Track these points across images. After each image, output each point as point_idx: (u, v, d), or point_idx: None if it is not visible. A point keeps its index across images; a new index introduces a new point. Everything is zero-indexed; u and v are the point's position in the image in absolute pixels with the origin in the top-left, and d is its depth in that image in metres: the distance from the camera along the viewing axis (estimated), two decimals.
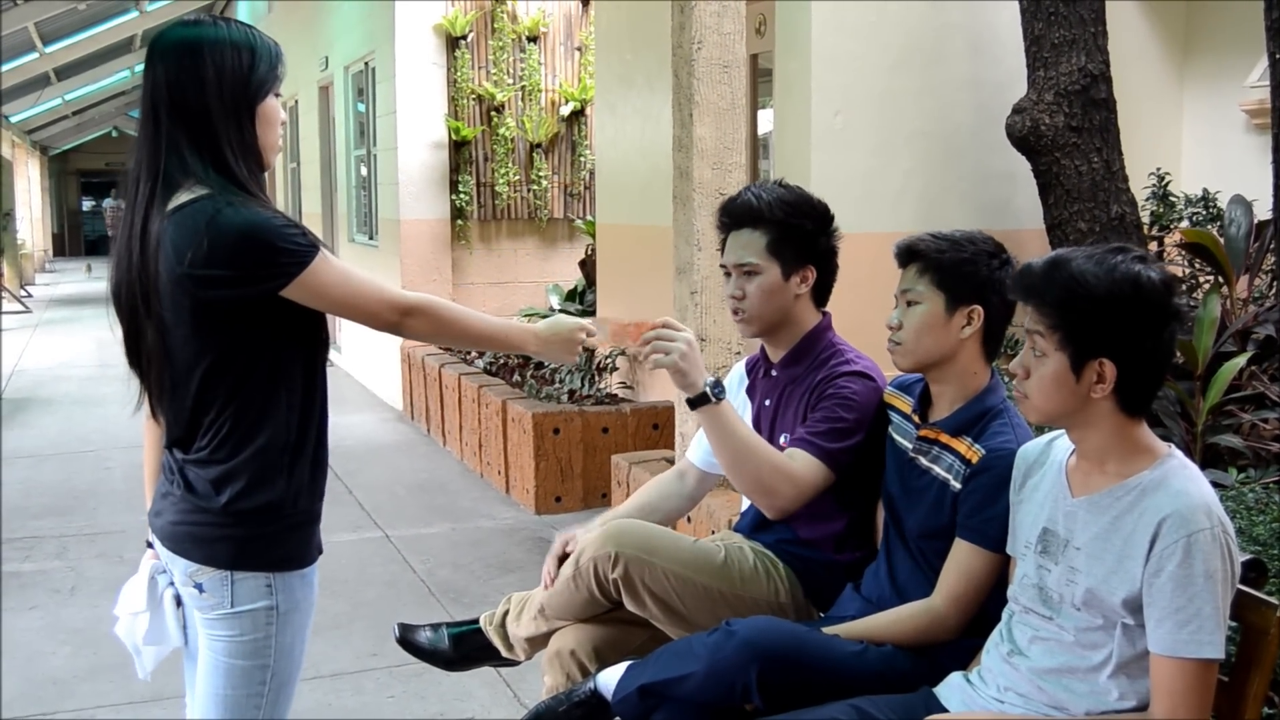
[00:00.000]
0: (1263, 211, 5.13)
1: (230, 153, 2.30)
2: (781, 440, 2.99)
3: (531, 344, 2.54)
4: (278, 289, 2.22)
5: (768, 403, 3.08)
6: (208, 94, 2.29)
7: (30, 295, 22.97)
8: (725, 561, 2.95)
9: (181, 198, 2.26)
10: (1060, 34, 5.39)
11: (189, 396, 2.31)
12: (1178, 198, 6.08)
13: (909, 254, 2.74)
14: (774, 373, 3.08)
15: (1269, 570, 2.62)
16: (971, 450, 2.61)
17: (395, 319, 2.34)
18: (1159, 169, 6.16)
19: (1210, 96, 6.64)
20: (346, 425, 9.82)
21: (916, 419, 2.78)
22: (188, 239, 2.21)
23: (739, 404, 3.18)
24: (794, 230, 2.96)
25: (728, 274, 3.05)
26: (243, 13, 19.81)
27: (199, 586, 2.34)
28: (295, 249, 2.22)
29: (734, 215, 3.02)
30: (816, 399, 2.91)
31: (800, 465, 2.82)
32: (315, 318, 2.36)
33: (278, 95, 2.41)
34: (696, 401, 2.78)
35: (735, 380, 3.26)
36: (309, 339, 2.36)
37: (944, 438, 2.68)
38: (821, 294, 3.06)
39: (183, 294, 2.23)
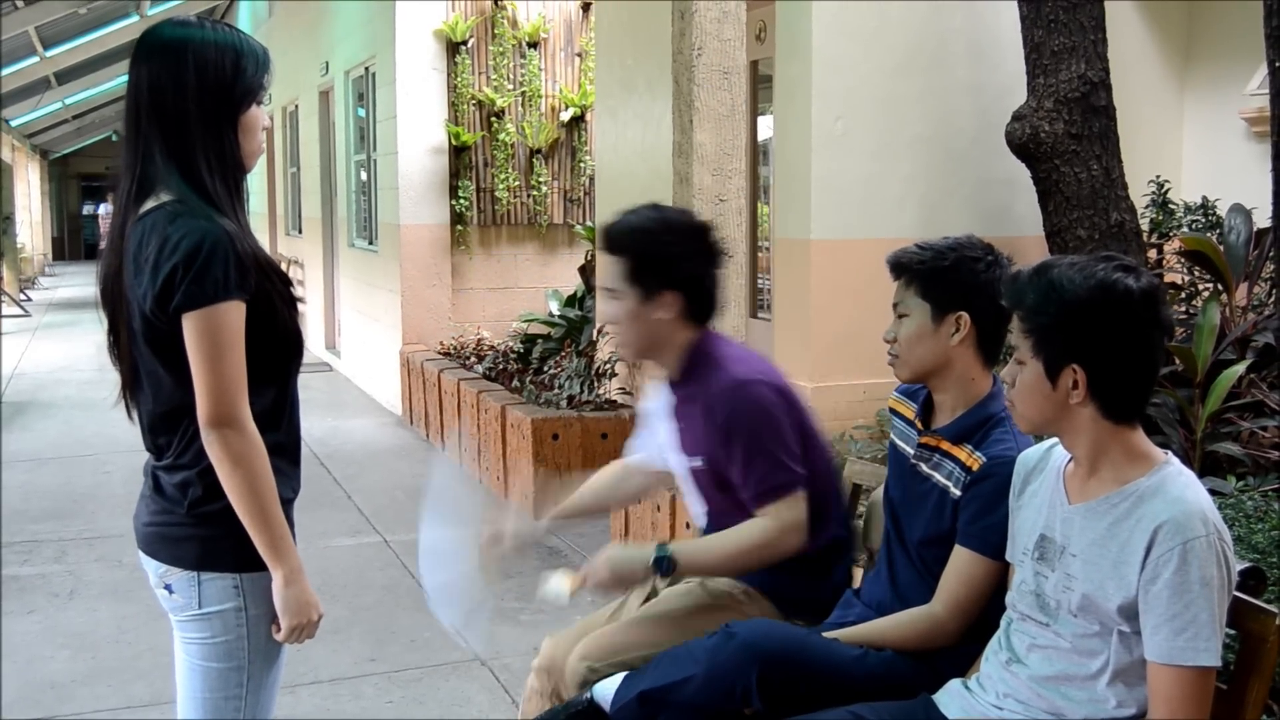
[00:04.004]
0: (1262, 219, 5.14)
1: (204, 162, 2.28)
2: (695, 462, 2.95)
3: (283, 567, 2.30)
4: (181, 309, 2.17)
5: (679, 426, 3.03)
6: (187, 99, 2.27)
7: (29, 299, 22.98)
8: (688, 615, 2.93)
9: (148, 204, 2.26)
10: (1060, 41, 5.39)
11: (155, 403, 2.32)
12: (1177, 205, 6.08)
13: (896, 267, 2.75)
14: (674, 397, 3.05)
15: (1268, 578, 2.62)
16: (972, 458, 2.61)
17: (218, 418, 2.19)
18: (1158, 176, 6.16)
19: (1210, 104, 6.64)
20: (346, 430, 9.82)
21: (919, 425, 2.78)
22: (140, 248, 2.22)
23: (665, 430, 3.13)
24: (650, 258, 2.90)
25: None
26: (244, 17, 19.82)
27: (168, 588, 2.36)
28: (220, 278, 2.17)
29: (602, 239, 3.00)
30: (724, 432, 2.84)
31: (778, 515, 2.81)
32: (285, 327, 2.34)
33: (261, 103, 2.39)
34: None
35: (659, 408, 3.18)
36: (278, 348, 2.35)
37: (945, 445, 2.68)
38: (698, 313, 2.97)
39: (135, 302, 2.24)
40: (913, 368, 2.73)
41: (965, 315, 2.66)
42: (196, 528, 2.31)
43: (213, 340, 2.18)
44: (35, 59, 18.47)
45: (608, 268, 2.94)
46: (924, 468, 2.72)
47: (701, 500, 3.05)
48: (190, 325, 2.18)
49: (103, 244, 2.49)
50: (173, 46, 2.29)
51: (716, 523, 2.99)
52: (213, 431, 2.20)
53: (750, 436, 2.81)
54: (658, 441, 3.19)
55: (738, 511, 2.89)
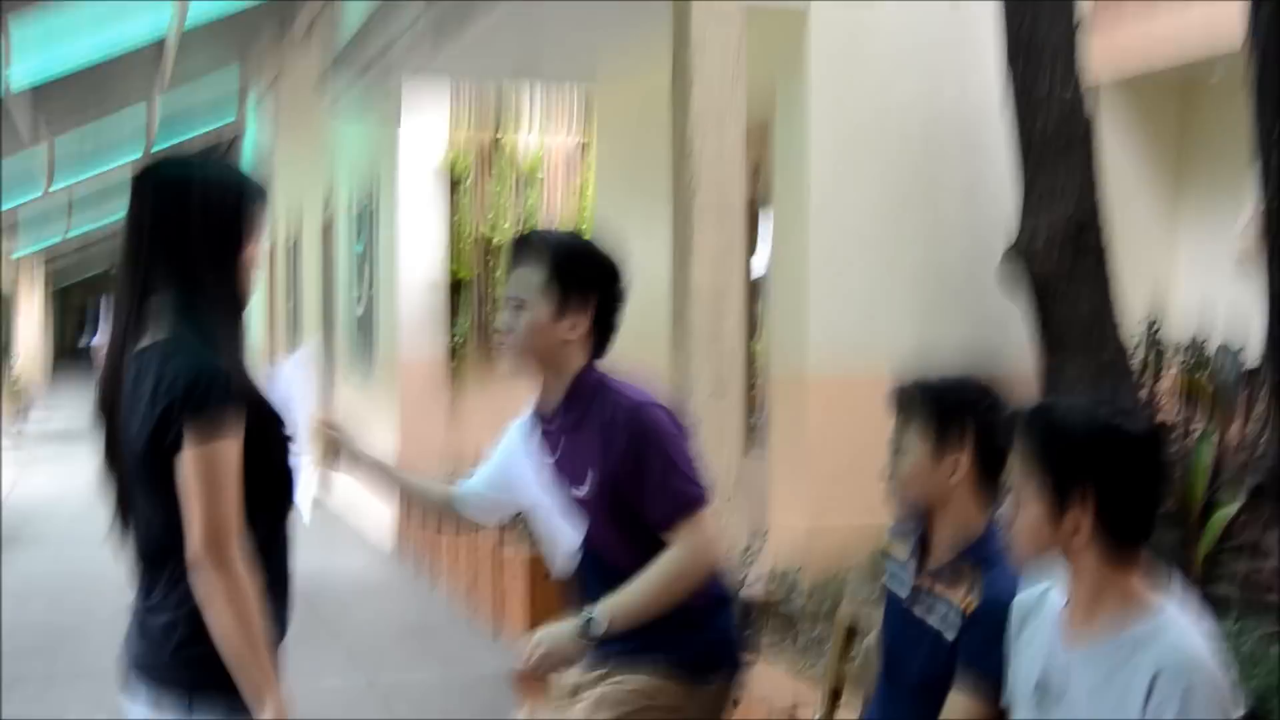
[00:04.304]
0: (1252, 357, 5.16)
1: (205, 299, 2.30)
2: (578, 491, 2.89)
3: (267, 709, 2.25)
4: (176, 446, 2.17)
5: (554, 458, 2.99)
6: (192, 237, 2.29)
7: (23, 431, 22.91)
8: None
9: (145, 340, 2.26)
10: (1050, 181, 5.47)
11: (144, 543, 2.31)
12: (1166, 347, 6.11)
13: (898, 401, 2.75)
14: (550, 427, 3.01)
15: None
16: (967, 600, 2.59)
17: (209, 555, 2.17)
18: (1149, 316, 6.20)
19: (1202, 238, 6.72)
20: (335, 567, 9.71)
21: (913, 566, 2.76)
22: (137, 383, 2.22)
23: (531, 466, 3.07)
24: (570, 274, 2.89)
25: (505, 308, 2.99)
26: (248, 150, 20.13)
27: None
28: (216, 416, 2.18)
29: (517, 249, 2.99)
30: (630, 455, 2.81)
31: (689, 538, 2.78)
32: (279, 464, 2.34)
33: (258, 240, 2.41)
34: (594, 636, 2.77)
35: (519, 439, 3.14)
36: (271, 485, 2.34)
37: (939, 588, 2.66)
38: (598, 343, 2.97)
39: (129, 440, 2.24)
40: (909, 503, 2.72)
41: (965, 455, 2.65)
42: (181, 670, 2.28)
43: (207, 477, 2.17)
44: (41, 191, 18.70)
45: (522, 278, 2.91)
46: (918, 610, 2.69)
47: (580, 531, 2.95)
48: (185, 462, 2.17)
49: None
50: (177, 185, 2.32)
51: (597, 555, 2.93)
52: (202, 570, 2.18)
53: (659, 457, 2.80)
54: (500, 480, 3.17)
55: (624, 544, 2.85)
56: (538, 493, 3.04)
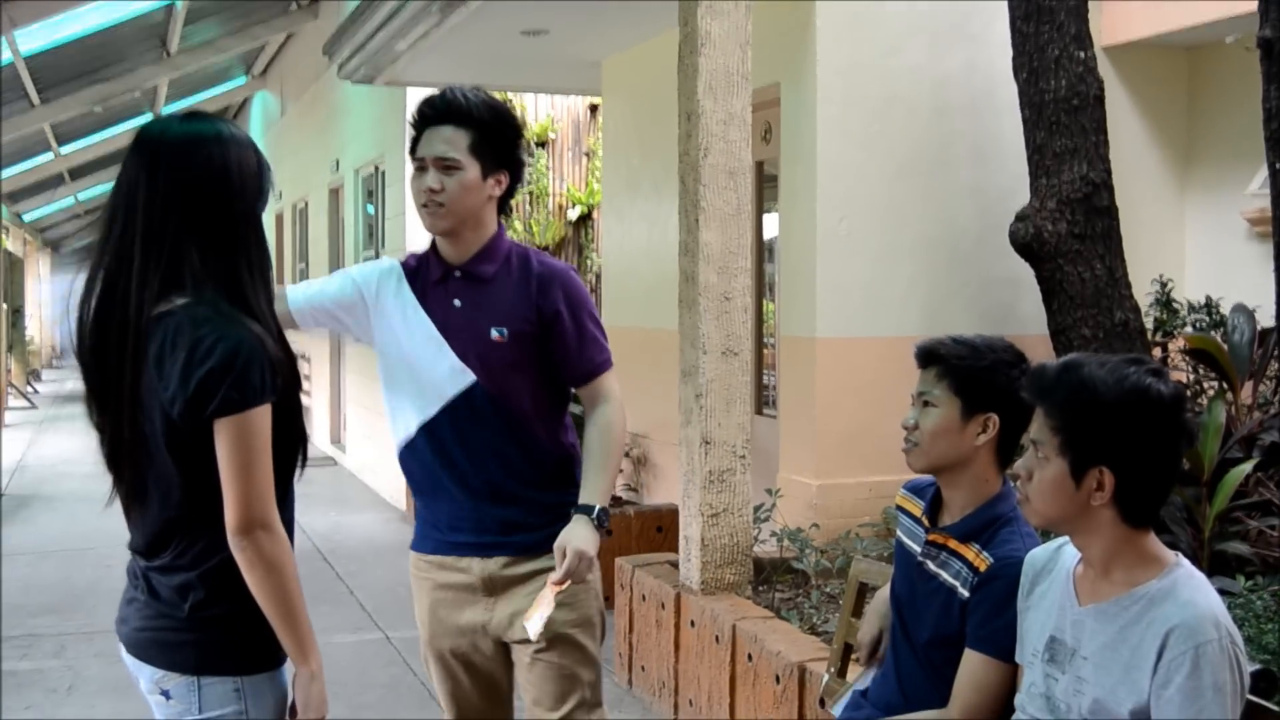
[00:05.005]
0: (1266, 318, 5.16)
1: (245, 261, 2.26)
2: (494, 334, 2.97)
3: (311, 663, 2.28)
4: (216, 414, 2.14)
5: (457, 303, 3.03)
6: (233, 197, 2.24)
7: (36, 391, 23.03)
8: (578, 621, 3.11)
9: (162, 306, 2.20)
10: (1062, 143, 5.45)
11: (163, 508, 2.27)
12: (1180, 304, 6.10)
13: (929, 356, 2.73)
14: (457, 274, 3.05)
15: (1279, 680, 2.60)
16: (979, 558, 2.60)
17: (252, 521, 2.16)
18: (1161, 275, 6.20)
19: (1212, 204, 6.70)
20: (349, 525, 9.77)
21: (926, 522, 2.77)
22: (164, 350, 2.17)
23: (407, 308, 3.09)
24: (496, 133, 3.00)
25: (422, 169, 2.99)
26: (255, 115, 20.10)
27: (165, 693, 2.29)
28: (257, 384, 2.16)
29: (436, 109, 3.00)
30: (564, 307, 3.01)
31: (611, 393, 3.06)
32: (292, 433, 2.33)
33: None
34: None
35: (390, 282, 3.15)
36: (292, 449, 2.34)
37: (952, 543, 2.66)
38: (506, 202, 3.12)
39: (156, 406, 2.19)
40: (931, 459, 2.70)
41: (994, 417, 2.64)
42: (195, 631, 2.26)
43: (247, 445, 2.15)
44: (50, 156, 18.69)
45: (449, 139, 2.95)
46: (931, 565, 2.70)
47: (476, 372, 2.98)
48: (225, 430, 2.15)
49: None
50: (205, 142, 2.25)
51: (491, 396, 2.98)
52: (245, 536, 2.16)
53: (588, 316, 3.06)
54: (348, 302, 3.16)
55: (525, 387, 3.01)
56: (404, 332, 3.07)
